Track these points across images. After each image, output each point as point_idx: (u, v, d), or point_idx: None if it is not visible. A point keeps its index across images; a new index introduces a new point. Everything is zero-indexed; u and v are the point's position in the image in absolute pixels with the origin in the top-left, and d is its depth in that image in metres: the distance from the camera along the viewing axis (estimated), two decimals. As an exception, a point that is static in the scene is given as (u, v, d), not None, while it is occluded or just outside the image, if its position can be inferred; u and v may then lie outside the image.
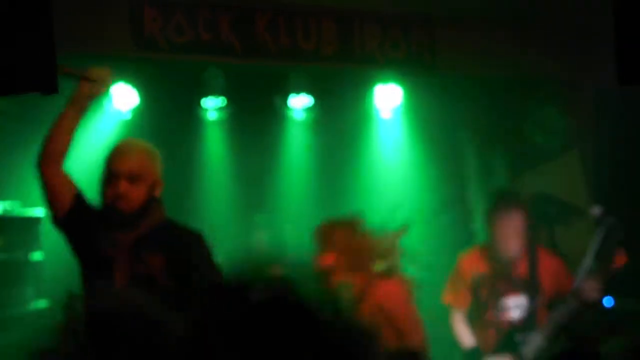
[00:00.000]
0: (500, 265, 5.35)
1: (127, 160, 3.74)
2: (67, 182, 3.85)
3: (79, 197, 3.85)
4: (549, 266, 5.40)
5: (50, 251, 6.51)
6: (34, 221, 6.70)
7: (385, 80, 7.33)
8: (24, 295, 6.73)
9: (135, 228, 3.75)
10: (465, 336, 5.47)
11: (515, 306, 5.34)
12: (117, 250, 3.72)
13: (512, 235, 5.28)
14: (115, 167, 3.74)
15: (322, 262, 4.32)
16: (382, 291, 4.48)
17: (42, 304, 6.67)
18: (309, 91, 7.30)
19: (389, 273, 4.49)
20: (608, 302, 6.10)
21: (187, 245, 3.80)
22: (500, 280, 5.34)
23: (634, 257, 5.30)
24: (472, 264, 5.43)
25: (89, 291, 3.79)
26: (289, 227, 7.14)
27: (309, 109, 7.42)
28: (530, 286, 5.31)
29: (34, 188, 6.61)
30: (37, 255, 6.78)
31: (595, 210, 5.30)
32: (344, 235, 4.52)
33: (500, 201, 5.42)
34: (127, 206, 3.71)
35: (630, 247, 5.27)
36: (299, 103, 7.39)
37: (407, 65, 7.10)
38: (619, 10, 3.54)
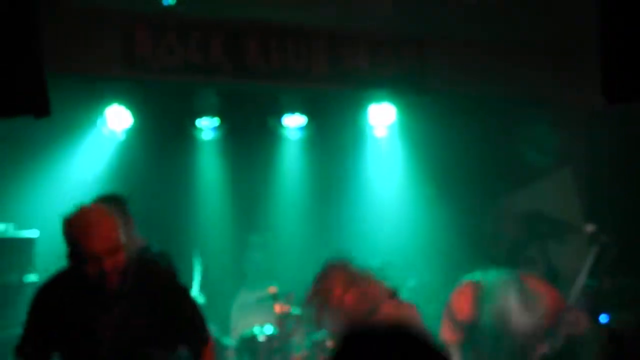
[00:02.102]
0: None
1: (101, 237, 3.61)
2: None
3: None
4: (551, 304, 5.32)
5: (44, 273, 6.48)
6: (28, 243, 6.67)
7: (378, 99, 7.35)
8: (18, 317, 6.70)
9: (118, 301, 3.77)
10: None
11: None
12: (101, 328, 3.76)
13: None
14: (92, 248, 3.60)
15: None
16: (394, 311, 4.44)
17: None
18: (303, 111, 7.31)
19: (395, 295, 4.46)
20: (603, 318, 6.09)
21: (165, 295, 3.86)
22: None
23: (628, 274, 5.29)
24: (463, 308, 5.33)
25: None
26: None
27: (303, 128, 7.43)
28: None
29: (28, 210, 6.68)
30: (31, 277, 6.76)
31: (589, 228, 5.29)
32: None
33: None
34: (115, 279, 3.70)
35: (623, 264, 5.27)
36: (293, 122, 7.40)
37: (398, 85, 7.12)
38: (604, 30, 3.56)
